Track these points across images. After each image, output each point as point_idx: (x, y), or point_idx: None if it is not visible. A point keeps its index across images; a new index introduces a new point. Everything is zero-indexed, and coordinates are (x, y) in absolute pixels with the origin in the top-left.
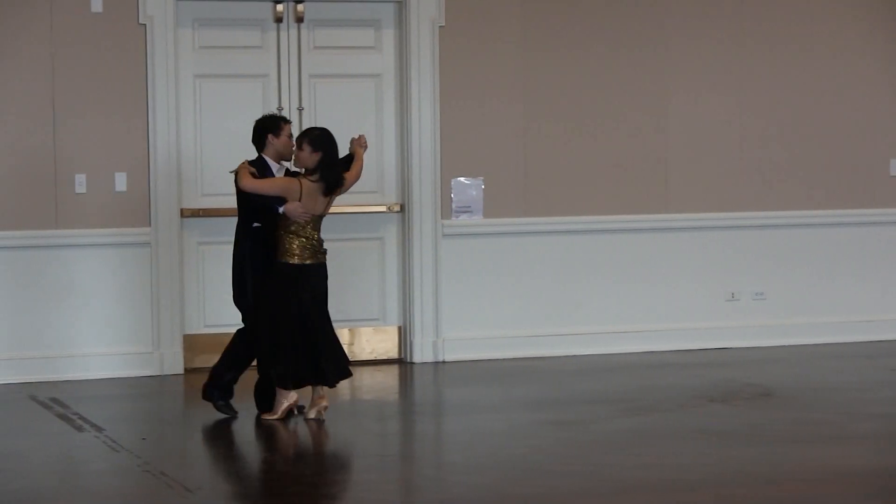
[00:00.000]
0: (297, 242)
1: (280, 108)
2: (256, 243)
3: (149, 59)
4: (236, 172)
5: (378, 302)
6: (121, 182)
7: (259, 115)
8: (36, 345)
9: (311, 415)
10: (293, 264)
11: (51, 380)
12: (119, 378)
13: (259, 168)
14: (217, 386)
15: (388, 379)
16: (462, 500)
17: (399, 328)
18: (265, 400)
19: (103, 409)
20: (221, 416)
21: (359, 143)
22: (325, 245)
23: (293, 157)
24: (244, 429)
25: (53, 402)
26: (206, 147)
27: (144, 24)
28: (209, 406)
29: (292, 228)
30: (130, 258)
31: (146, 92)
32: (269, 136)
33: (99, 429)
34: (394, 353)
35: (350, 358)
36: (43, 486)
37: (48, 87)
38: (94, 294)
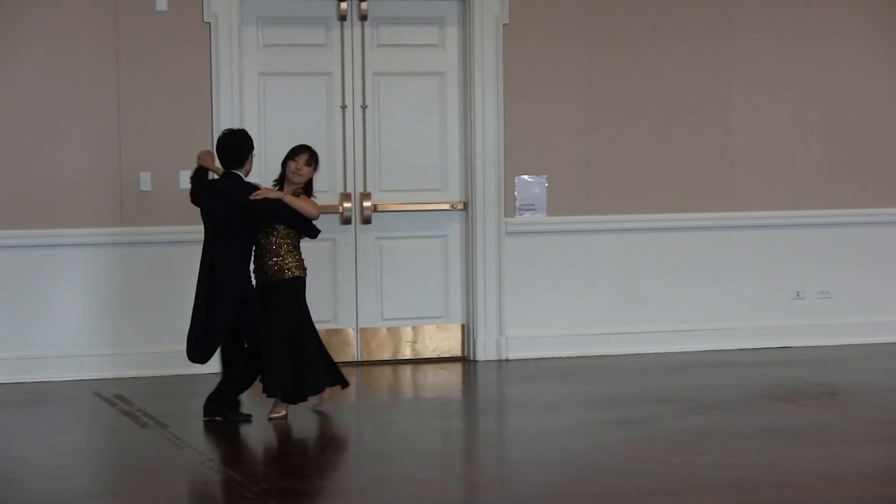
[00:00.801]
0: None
1: (344, 106)
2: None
3: (213, 58)
4: (260, 196)
5: (441, 300)
6: (185, 180)
7: (323, 113)
8: (101, 342)
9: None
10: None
11: (115, 377)
12: (182, 375)
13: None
14: (227, 403)
15: (451, 377)
16: (525, 499)
17: (462, 326)
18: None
19: (167, 406)
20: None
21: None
22: (392, 242)
23: (292, 172)
24: (307, 426)
25: (118, 398)
26: (270, 145)
27: (209, 23)
28: (270, 403)
29: (293, 243)
30: (194, 256)
31: (210, 90)
32: (251, 156)
33: (163, 426)
34: (457, 351)
35: (413, 356)
36: (107, 481)
37: (113, 85)
38: (158, 291)
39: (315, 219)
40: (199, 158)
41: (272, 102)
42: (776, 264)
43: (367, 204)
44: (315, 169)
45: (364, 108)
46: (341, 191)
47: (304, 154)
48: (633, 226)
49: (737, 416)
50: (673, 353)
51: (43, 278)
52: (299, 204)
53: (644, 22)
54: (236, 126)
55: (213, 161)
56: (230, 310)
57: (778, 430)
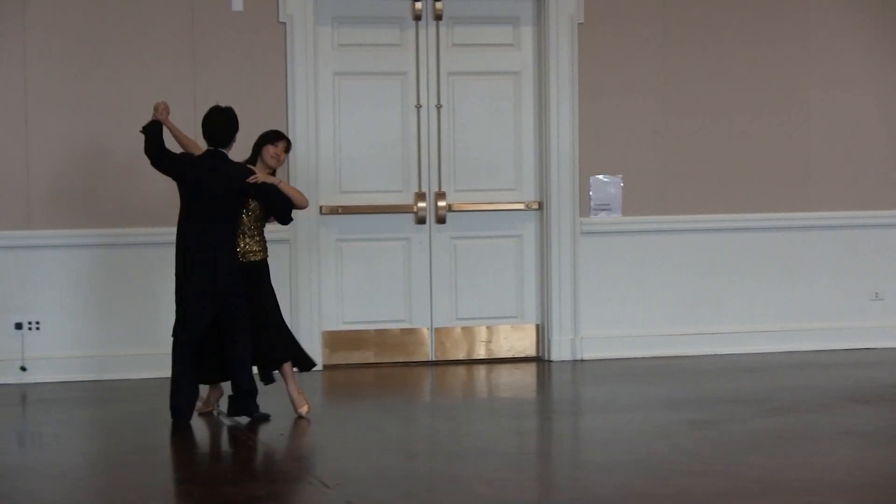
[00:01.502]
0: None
1: (419, 106)
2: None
3: (288, 58)
4: (259, 179)
5: (516, 300)
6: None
7: (398, 113)
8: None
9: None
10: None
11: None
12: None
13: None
14: (251, 396)
15: (525, 377)
16: (599, 500)
17: (537, 326)
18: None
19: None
20: (359, 411)
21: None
22: (467, 242)
23: (271, 156)
24: (382, 424)
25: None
26: (344, 145)
27: (284, 23)
28: (348, 401)
29: (261, 226)
30: (270, 255)
31: (286, 90)
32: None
33: (238, 424)
34: (531, 351)
35: (487, 356)
36: (185, 477)
37: (189, 85)
38: None
39: (305, 208)
40: (156, 111)
41: (347, 102)
42: (854, 265)
43: (441, 204)
44: (286, 151)
45: (439, 107)
46: (416, 190)
47: (283, 140)
48: (708, 226)
49: (814, 417)
50: (749, 353)
51: (138, 277)
52: (292, 192)
53: (720, 21)
54: (311, 126)
55: (169, 116)
56: (234, 289)
57: (856, 433)
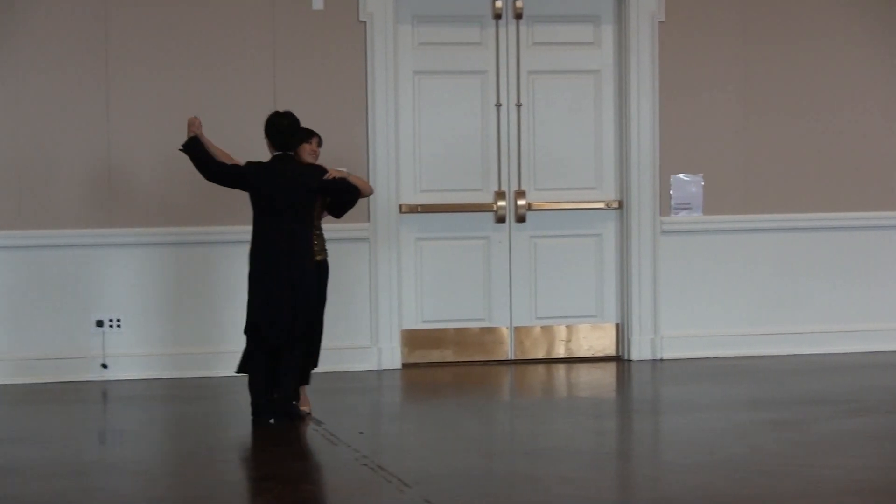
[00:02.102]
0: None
1: (499, 105)
2: None
3: (368, 56)
4: (334, 175)
5: (596, 299)
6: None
7: (478, 111)
8: None
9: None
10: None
11: None
12: (337, 372)
13: None
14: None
15: (605, 376)
16: (679, 500)
17: (617, 325)
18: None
19: (322, 403)
20: (437, 410)
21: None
22: (546, 241)
23: (308, 153)
24: (460, 423)
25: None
26: (424, 143)
27: (364, 22)
28: (427, 400)
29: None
30: (349, 253)
31: (365, 89)
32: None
33: (318, 422)
34: (611, 351)
35: (567, 355)
36: (263, 475)
37: (269, 84)
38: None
39: (371, 194)
40: (192, 126)
41: (427, 101)
42: None
43: (521, 202)
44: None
45: (519, 106)
46: (496, 189)
47: (315, 136)
48: (790, 225)
49: (895, 418)
50: (831, 354)
51: (218, 275)
52: (360, 182)
53: (801, 17)
54: (391, 124)
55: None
56: (313, 293)
57: None
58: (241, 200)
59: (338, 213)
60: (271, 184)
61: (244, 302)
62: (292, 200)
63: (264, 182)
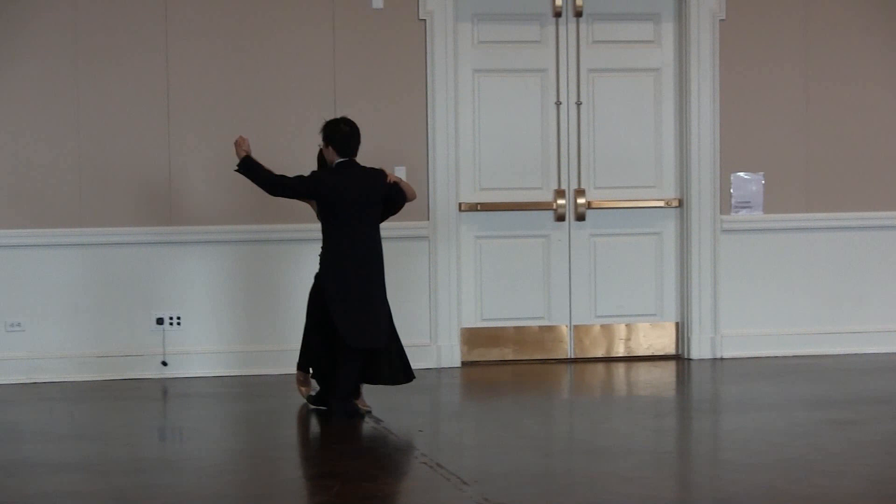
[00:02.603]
0: None
1: (559, 103)
2: None
3: (428, 55)
4: (393, 178)
5: (655, 297)
6: (400, 176)
7: (538, 110)
8: None
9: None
10: None
11: None
12: None
13: None
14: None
15: (664, 375)
16: (739, 499)
17: (676, 324)
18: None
19: (381, 400)
20: (496, 408)
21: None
22: (606, 239)
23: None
24: (519, 421)
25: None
26: (484, 142)
27: (424, 20)
28: (486, 398)
29: None
30: (409, 252)
31: (425, 87)
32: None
33: (377, 420)
34: (671, 349)
35: (626, 353)
36: (323, 472)
37: (329, 82)
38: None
39: (413, 200)
40: (240, 146)
41: (486, 99)
42: None
43: (581, 201)
44: None
45: (579, 104)
46: (555, 187)
47: None
48: (852, 223)
49: None
50: (892, 353)
51: (278, 273)
52: (407, 188)
53: (866, 16)
54: (451, 123)
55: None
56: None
57: None
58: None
59: (384, 216)
60: (347, 190)
61: (303, 299)
62: (367, 205)
63: (340, 189)
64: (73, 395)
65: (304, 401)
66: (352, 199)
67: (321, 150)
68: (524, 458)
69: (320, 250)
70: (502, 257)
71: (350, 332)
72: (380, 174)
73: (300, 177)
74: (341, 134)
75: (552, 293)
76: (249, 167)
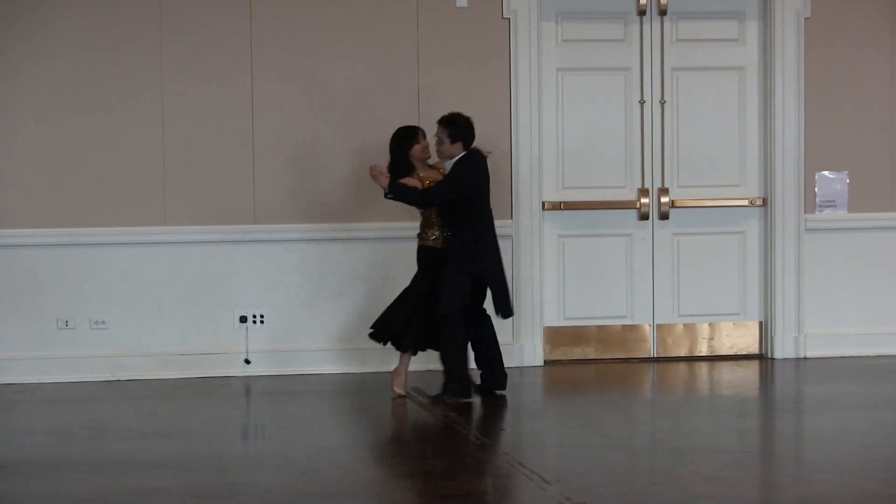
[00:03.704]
0: None
1: (643, 101)
2: None
3: (512, 53)
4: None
5: (738, 296)
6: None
7: (621, 108)
8: None
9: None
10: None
11: (414, 369)
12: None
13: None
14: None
15: (748, 374)
16: (825, 500)
17: (760, 323)
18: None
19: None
20: (579, 407)
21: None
22: (689, 238)
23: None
24: (602, 420)
25: (415, 391)
26: (567, 140)
27: (508, 19)
28: (568, 397)
29: None
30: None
31: (509, 85)
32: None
33: (459, 418)
34: (754, 349)
35: (709, 353)
36: (405, 471)
37: (413, 81)
38: None
39: None
40: (381, 176)
41: (570, 98)
42: None
43: (664, 199)
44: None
45: (662, 103)
46: (639, 186)
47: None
48: None
49: None
50: None
51: (359, 271)
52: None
53: None
54: (534, 121)
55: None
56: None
57: None
58: (376, 196)
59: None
60: (484, 178)
61: (383, 298)
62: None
63: (484, 177)
64: (156, 393)
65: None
66: (487, 184)
67: (398, 157)
68: (606, 457)
69: (431, 235)
70: (585, 256)
71: (505, 305)
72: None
73: (449, 181)
74: (468, 124)
75: (635, 292)
76: (398, 192)
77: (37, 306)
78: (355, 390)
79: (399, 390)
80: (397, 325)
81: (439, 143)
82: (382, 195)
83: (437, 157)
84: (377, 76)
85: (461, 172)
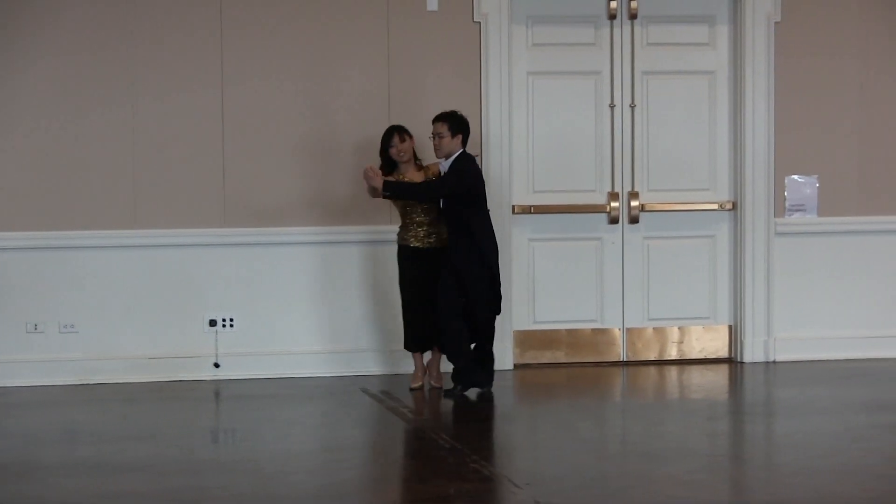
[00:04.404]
0: None
1: (613, 105)
2: None
3: (482, 57)
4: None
5: (708, 300)
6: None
7: (591, 112)
8: (369, 338)
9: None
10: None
11: (382, 373)
12: (449, 372)
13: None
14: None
15: (718, 378)
16: (794, 503)
17: (729, 327)
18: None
19: (433, 403)
20: (549, 411)
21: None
22: (659, 242)
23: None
24: (572, 424)
25: (384, 394)
26: (537, 144)
27: (479, 22)
28: (539, 400)
29: None
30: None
31: (480, 89)
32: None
33: (430, 421)
34: (724, 353)
35: (679, 356)
36: (373, 476)
37: (384, 84)
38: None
39: None
40: (376, 177)
41: (540, 102)
42: None
43: (634, 203)
44: None
45: (633, 107)
46: (609, 190)
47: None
48: None
49: None
50: None
51: (330, 275)
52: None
53: None
54: (504, 125)
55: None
56: None
57: None
58: (354, 200)
59: None
60: (481, 175)
61: (356, 302)
62: None
63: (481, 175)
64: (126, 397)
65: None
66: (484, 183)
67: (389, 150)
68: (577, 460)
69: (412, 235)
70: (555, 260)
71: (499, 300)
72: None
73: (454, 176)
74: (468, 122)
75: (605, 296)
76: (395, 190)
77: (6, 310)
78: (325, 394)
79: (415, 384)
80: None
81: (439, 139)
82: (370, 196)
83: (425, 157)
84: (347, 79)
85: (465, 165)
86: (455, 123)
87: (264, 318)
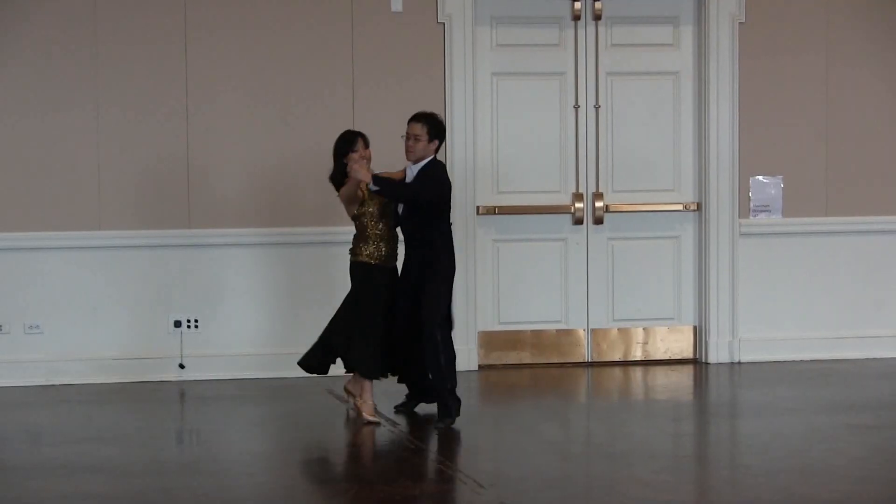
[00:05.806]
0: None
1: (577, 106)
2: None
3: (447, 58)
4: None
5: (673, 301)
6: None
7: (556, 113)
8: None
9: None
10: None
11: (345, 375)
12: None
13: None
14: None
15: (682, 379)
16: (758, 503)
17: (694, 328)
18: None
19: (396, 402)
20: (514, 412)
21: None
22: (624, 243)
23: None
24: (537, 425)
25: (351, 395)
26: (502, 145)
27: (443, 23)
28: (503, 401)
29: None
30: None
31: (444, 90)
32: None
33: (394, 423)
34: (688, 353)
35: (644, 357)
36: (339, 477)
37: (348, 84)
38: None
39: None
40: (357, 172)
41: (505, 102)
42: None
43: (599, 204)
44: None
45: (597, 108)
46: (573, 191)
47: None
48: (872, 227)
49: None
50: None
51: (295, 276)
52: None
53: (888, 20)
54: (469, 126)
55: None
56: None
57: None
58: (317, 202)
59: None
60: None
61: (318, 301)
62: None
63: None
64: (91, 398)
65: (351, 409)
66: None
67: (343, 160)
68: (541, 461)
69: (365, 250)
70: (520, 261)
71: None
72: None
73: (435, 183)
74: (445, 132)
75: (570, 297)
76: (383, 187)
77: None
78: (290, 395)
79: (371, 416)
80: (339, 347)
81: (414, 140)
82: (347, 192)
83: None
84: (311, 78)
85: (442, 173)
86: (435, 128)
87: (229, 320)
